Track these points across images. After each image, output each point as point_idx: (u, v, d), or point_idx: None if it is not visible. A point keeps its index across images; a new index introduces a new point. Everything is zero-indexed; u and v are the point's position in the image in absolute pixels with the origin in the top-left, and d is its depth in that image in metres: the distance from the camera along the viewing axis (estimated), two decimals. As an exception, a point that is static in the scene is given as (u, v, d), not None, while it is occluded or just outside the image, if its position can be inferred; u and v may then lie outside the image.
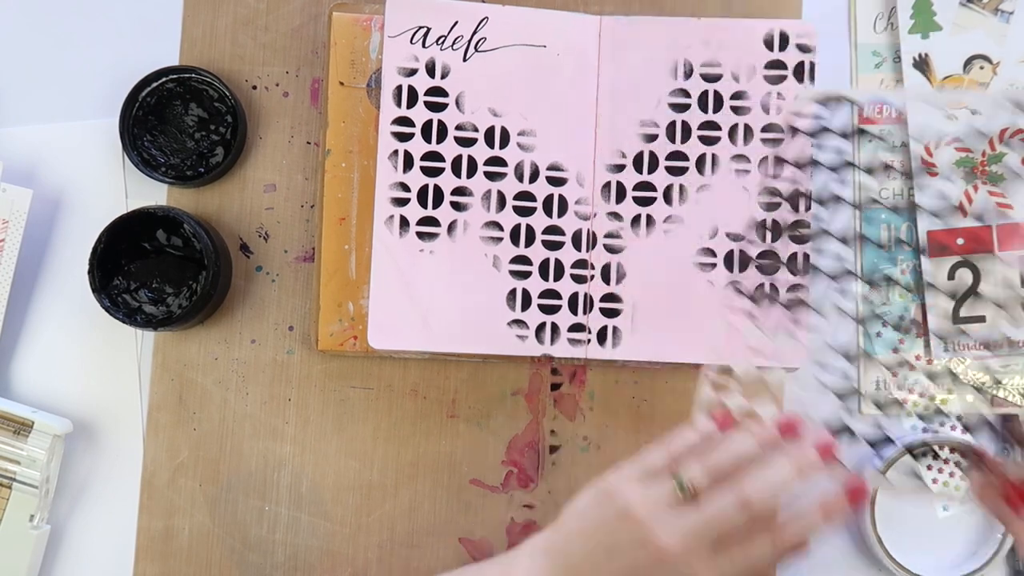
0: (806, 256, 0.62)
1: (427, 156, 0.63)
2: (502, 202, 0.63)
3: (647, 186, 0.63)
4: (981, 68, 0.66)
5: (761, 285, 0.61)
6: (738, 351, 0.58)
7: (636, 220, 0.63)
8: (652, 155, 0.63)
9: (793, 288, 0.62)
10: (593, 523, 0.51)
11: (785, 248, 0.62)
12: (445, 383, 0.65)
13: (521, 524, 0.65)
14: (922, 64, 0.66)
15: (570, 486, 0.65)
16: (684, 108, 0.63)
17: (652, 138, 0.63)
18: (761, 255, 0.62)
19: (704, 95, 0.63)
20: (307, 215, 0.66)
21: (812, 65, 0.62)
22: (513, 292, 0.62)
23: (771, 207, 0.62)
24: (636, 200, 0.63)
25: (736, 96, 0.63)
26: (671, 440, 0.53)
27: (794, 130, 0.60)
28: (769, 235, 0.62)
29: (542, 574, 0.51)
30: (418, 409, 0.65)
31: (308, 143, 0.67)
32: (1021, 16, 0.66)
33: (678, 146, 0.63)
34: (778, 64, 0.63)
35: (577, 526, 0.51)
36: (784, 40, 0.63)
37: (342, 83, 0.65)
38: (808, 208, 0.62)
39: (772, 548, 0.50)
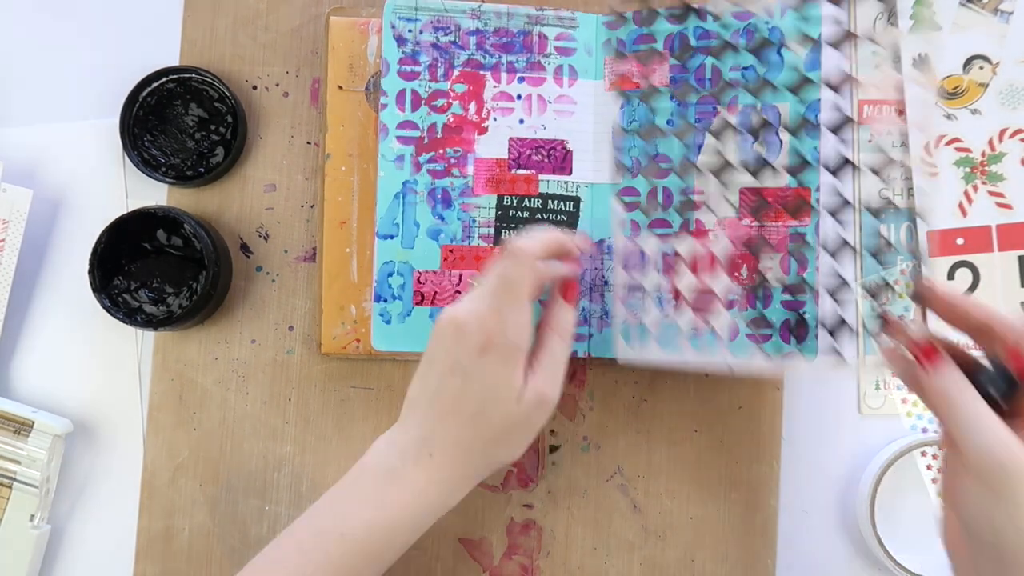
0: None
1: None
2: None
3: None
4: (981, 68, 0.66)
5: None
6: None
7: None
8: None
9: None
10: (424, 355, 0.54)
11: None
12: (445, 383, 0.65)
13: (521, 524, 0.65)
14: (922, 64, 0.66)
15: (570, 486, 0.65)
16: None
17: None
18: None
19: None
20: (307, 215, 0.66)
21: None
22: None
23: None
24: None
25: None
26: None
27: None
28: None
29: (385, 435, 0.53)
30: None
31: (308, 143, 0.67)
32: (1021, 16, 0.66)
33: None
34: None
35: (424, 368, 0.54)
36: None
37: (341, 87, 0.65)
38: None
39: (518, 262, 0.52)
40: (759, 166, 0.60)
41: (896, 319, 0.54)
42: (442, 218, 0.62)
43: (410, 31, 0.62)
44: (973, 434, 0.47)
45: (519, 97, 0.63)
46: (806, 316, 0.61)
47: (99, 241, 0.63)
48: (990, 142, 0.66)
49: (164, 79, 0.66)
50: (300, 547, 0.52)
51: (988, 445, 0.46)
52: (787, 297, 0.61)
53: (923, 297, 0.54)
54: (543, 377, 0.53)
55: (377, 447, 0.54)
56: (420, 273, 0.62)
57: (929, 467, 0.65)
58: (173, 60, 0.67)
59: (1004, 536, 0.46)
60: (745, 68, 0.61)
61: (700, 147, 0.61)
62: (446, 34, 0.62)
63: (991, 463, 0.46)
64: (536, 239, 0.54)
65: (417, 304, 0.62)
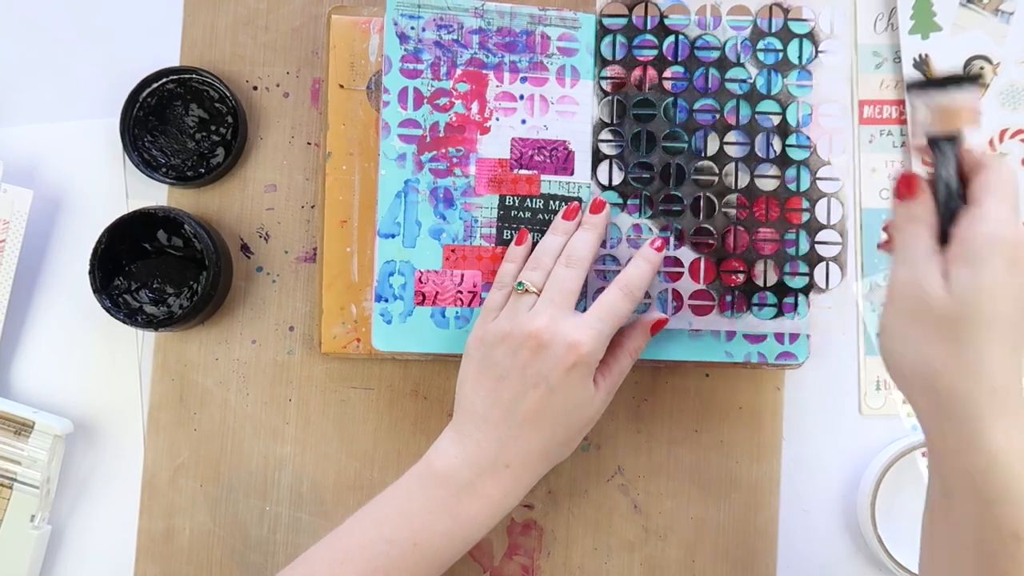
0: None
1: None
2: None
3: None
4: (981, 68, 0.66)
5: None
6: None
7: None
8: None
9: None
10: (476, 371, 0.56)
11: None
12: (445, 383, 0.65)
13: (521, 524, 0.65)
14: (922, 64, 0.66)
15: (571, 486, 0.65)
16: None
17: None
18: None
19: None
20: (308, 215, 0.66)
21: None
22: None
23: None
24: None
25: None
26: (497, 278, 0.59)
27: None
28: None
29: (449, 444, 0.55)
30: (418, 409, 0.65)
31: (309, 143, 0.67)
32: (1021, 16, 0.66)
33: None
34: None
35: (468, 388, 0.56)
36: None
37: (342, 86, 0.65)
38: None
39: (619, 291, 0.57)
40: (750, 175, 0.62)
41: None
42: (444, 217, 0.62)
43: (412, 28, 0.62)
44: (899, 261, 0.48)
45: (521, 97, 0.63)
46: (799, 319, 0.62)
47: (99, 241, 0.63)
48: (990, 142, 0.66)
49: (164, 79, 0.66)
50: (366, 552, 0.53)
51: (906, 271, 0.47)
52: (777, 299, 0.62)
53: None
54: (609, 387, 0.57)
55: (446, 459, 0.55)
56: (421, 273, 0.62)
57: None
58: (173, 60, 0.67)
59: (921, 364, 0.47)
60: (742, 80, 0.62)
61: (697, 152, 0.62)
62: (449, 32, 0.62)
63: (900, 289, 0.48)
64: (645, 277, 0.58)
65: (418, 304, 0.62)
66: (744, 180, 0.62)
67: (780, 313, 0.62)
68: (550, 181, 0.63)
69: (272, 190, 0.67)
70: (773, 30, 0.63)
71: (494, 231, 0.62)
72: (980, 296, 0.45)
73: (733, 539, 0.64)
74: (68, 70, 0.69)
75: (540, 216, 0.62)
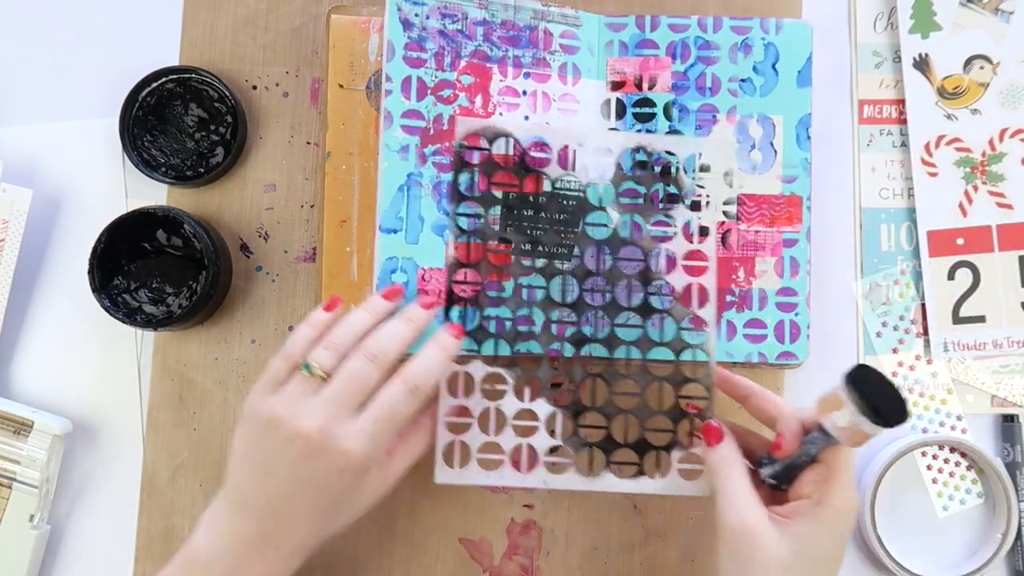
0: None
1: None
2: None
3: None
4: (981, 68, 0.66)
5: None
6: None
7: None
8: None
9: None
10: (248, 448, 0.53)
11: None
12: (445, 383, 0.65)
13: (521, 524, 0.65)
14: (922, 64, 0.66)
15: (570, 486, 0.65)
16: None
17: None
18: None
19: None
20: (307, 215, 0.66)
21: None
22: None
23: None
24: None
25: None
26: (287, 344, 0.55)
27: None
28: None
29: (219, 519, 0.53)
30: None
31: (308, 143, 0.67)
32: (1021, 16, 0.66)
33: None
34: None
35: (238, 459, 0.53)
36: None
37: (341, 85, 0.65)
38: None
39: (403, 387, 0.53)
40: (610, 324, 0.59)
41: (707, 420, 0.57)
42: (448, 213, 0.61)
43: (416, 15, 0.61)
44: (725, 505, 0.52)
45: (524, 93, 0.62)
46: (798, 319, 0.62)
47: (99, 241, 0.63)
48: (990, 142, 0.66)
49: (164, 79, 0.66)
50: None
51: (735, 516, 0.51)
52: (781, 299, 0.62)
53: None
54: (390, 484, 0.56)
55: (212, 539, 0.52)
56: (425, 270, 0.61)
57: (929, 467, 0.65)
58: (173, 60, 0.67)
59: None
60: (743, 80, 0.62)
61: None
62: (453, 22, 0.61)
63: (733, 533, 0.51)
64: (436, 368, 0.55)
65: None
66: (605, 330, 0.59)
67: (641, 472, 0.58)
68: (552, 178, 0.62)
69: (271, 190, 0.67)
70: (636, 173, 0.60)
71: (496, 228, 0.62)
72: (821, 552, 0.51)
73: (733, 539, 0.64)
74: (68, 70, 0.69)
75: (543, 213, 0.61)
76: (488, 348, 0.59)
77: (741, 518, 0.51)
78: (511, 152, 0.60)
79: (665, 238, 0.60)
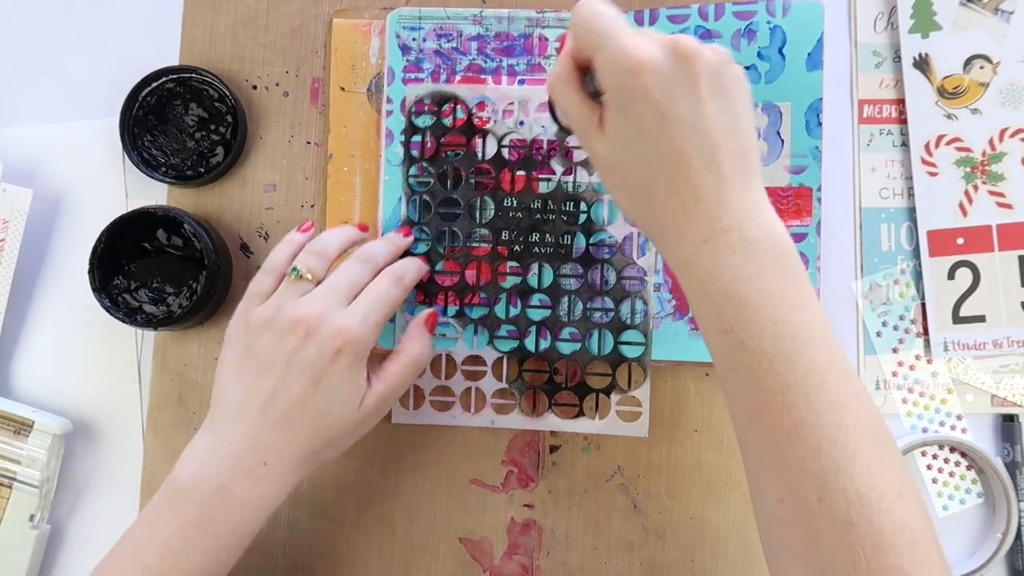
0: None
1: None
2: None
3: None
4: (981, 68, 0.66)
5: None
6: None
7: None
8: None
9: None
10: (238, 359, 0.53)
11: None
12: (445, 383, 0.66)
13: (521, 524, 0.65)
14: (922, 64, 0.66)
15: (570, 486, 0.65)
16: None
17: None
18: None
19: None
20: (307, 215, 0.66)
21: None
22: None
23: None
24: None
25: None
26: (268, 260, 0.57)
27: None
28: None
29: (200, 447, 0.52)
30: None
31: (308, 143, 0.67)
32: (1021, 16, 0.66)
33: None
34: None
35: (228, 377, 0.53)
36: None
37: (343, 88, 0.65)
38: None
39: (389, 278, 0.56)
40: (554, 274, 0.62)
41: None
42: (444, 219, 0.63)
43: (414, 40, 0.64)
44: (613, 39, 0.46)
45: (519, 99, 0.63)
46: None
47: (99, 241, 0.63)
48: (990, 142, 0.66)
49: (164, 79, 0.66)
50: None
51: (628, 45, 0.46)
52: None
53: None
54: (383, 391, 0.54)
55: (190, 462, 0.52)
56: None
57: (929, 467, 0.65)
58: (173, 60, 0.67)
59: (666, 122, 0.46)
60: (747, 68, 0.61)
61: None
62: (448, 40, 0.63)
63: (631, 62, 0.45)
64: (412, 266, 0.59)
65: (420, 302, 0.62)
66: (548, 279, 0.62)
67: (581, 414, 0.62)
68: (548, 182, 0.63)
69: (272, 189, 0.67)
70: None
71: (490, 232, 0.63)
72: (628, 138, 0.47)
73: (733, 539, 0.64)
74: (68, 70, 0.69)
75: (537, 216, 0.62)
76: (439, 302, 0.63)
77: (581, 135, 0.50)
78: (459, 114, 0.63)
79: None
